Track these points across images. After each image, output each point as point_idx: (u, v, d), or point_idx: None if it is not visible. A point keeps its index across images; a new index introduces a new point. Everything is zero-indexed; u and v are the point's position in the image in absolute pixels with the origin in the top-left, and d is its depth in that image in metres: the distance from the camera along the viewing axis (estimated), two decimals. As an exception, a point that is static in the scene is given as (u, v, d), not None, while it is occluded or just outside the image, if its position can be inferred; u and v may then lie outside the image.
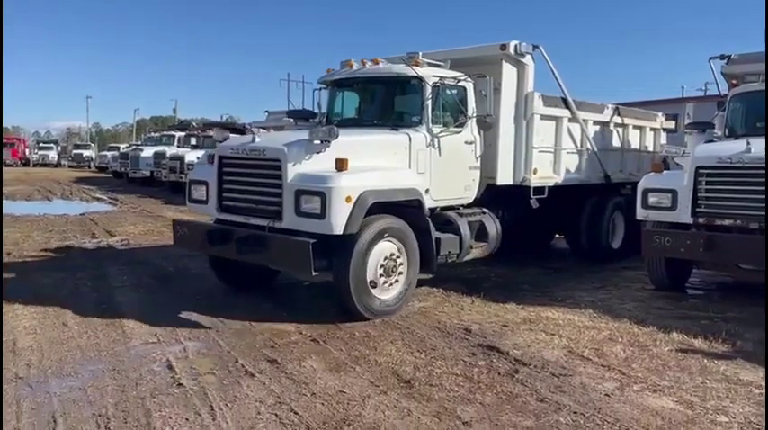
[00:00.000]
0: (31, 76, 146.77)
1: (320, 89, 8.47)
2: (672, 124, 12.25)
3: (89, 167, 46.90)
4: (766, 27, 7.98)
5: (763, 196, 6.71)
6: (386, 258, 6.38)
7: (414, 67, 7.31)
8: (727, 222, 7.09)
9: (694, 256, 7.34)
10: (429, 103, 7.29)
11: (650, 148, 11.60)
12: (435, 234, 6.95)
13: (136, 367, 4.87)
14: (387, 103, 8.00)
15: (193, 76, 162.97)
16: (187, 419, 3.97)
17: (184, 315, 6.40)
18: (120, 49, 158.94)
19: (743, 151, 6.93)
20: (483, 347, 5.55)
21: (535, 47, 8.40)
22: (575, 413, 4.16)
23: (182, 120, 35.81)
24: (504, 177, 8.44)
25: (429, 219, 6.91)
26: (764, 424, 3.73)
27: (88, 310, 6.54)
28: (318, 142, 6.22)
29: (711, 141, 8.49)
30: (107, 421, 3.91)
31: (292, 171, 6.15)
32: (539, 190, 8.71)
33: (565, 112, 9.24)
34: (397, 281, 6.52)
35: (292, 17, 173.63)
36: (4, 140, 52.95)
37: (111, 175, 33.74)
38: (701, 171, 7.24)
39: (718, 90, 10.02)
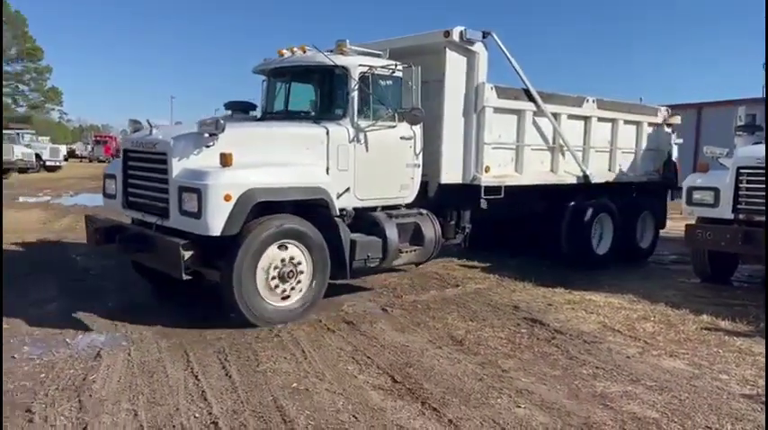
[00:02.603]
0: (118, 77, 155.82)
1: (265, 80, 7.88)
2: (677, 119, 11.09)
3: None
4: (766, 28, 8.35)
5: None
6: (281, 262, 5.93)
7: (337, 56, 6.87)
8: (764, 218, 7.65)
9: (733, 249, 7.94)
10: (355, 94, 6.71)
11: (653, 146, 10.67)
12: (352, 236, 6.50)
13: (241, 322, 6.06)
14: (313, 93, 7.56)
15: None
16: (285, 358, 5.11)
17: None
18: (202, 49, 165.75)
19: (779, 152, 7.48)
20: (528, 320, 6.45)
21: (486, 34, 7.79)
22: (596, 367, 5.04)
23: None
24: (451, 176, 7.83)
25: (339, 221, 6.43)
26: (765, 416, 4.18)
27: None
28: (207, 135, 5.82)
29: (759, 143, 8.96)
30: (226, 355, 5.11)
31: (178, 166, 5.75)
32: (494, 190, 8.05)
33: (528, 105, 8.50)
34: (298, 284, 6.08)
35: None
36: (100, 138, 57.33)
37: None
38: (741, 171, 7.85)
39: (771, 94, 10.35)
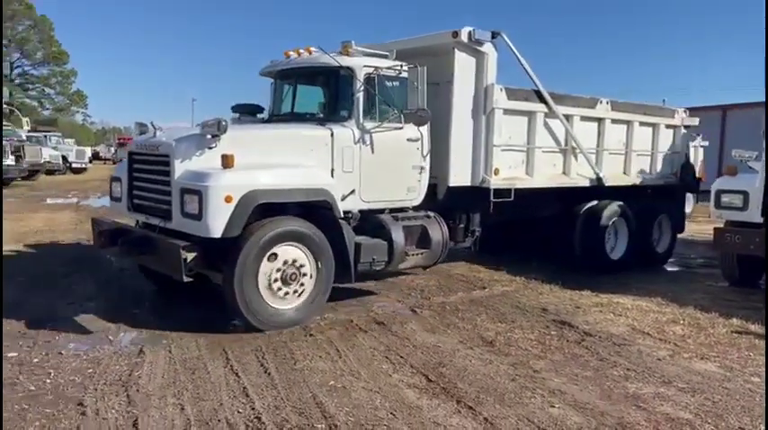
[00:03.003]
0: (140, 80, 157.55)
1: (273, 82, 7.90)
2: (695, 121, 10.83)
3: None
4: (766, 27, 8.29)
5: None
6: (284, 265, 5.89)
7: (342, 57, 6.82)
8: (795, 222, 7.63)
9: (762, 253, 7.89)
10: (360, 95, 6.69)
11: (670, 149, 10.43)
12: (357, 239, 6.45)
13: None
14: (319, 95, 7.58)
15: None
16: (320, 356, 5.24)
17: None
18: (218, 52, 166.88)
19: (809, 156, 7.46)
20: (556, 322, 6.52)
21: (495, 34, 7.67)
22: (627, 369, 5.10)
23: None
24: (459, 178, 7.73)
25: (343, 223, 6.35)
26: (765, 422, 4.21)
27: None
28: (209, 137, 5.83)
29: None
30: (263, 353, 5.25)
31: (180, 168, 5.76)
32: (503, 192, 7.98)
33: (539, 107, 8.37)
34: (301, 287, 6.04)
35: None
36: (123, 140, 58.23)
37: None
38: (771, 174, 7.82)
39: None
